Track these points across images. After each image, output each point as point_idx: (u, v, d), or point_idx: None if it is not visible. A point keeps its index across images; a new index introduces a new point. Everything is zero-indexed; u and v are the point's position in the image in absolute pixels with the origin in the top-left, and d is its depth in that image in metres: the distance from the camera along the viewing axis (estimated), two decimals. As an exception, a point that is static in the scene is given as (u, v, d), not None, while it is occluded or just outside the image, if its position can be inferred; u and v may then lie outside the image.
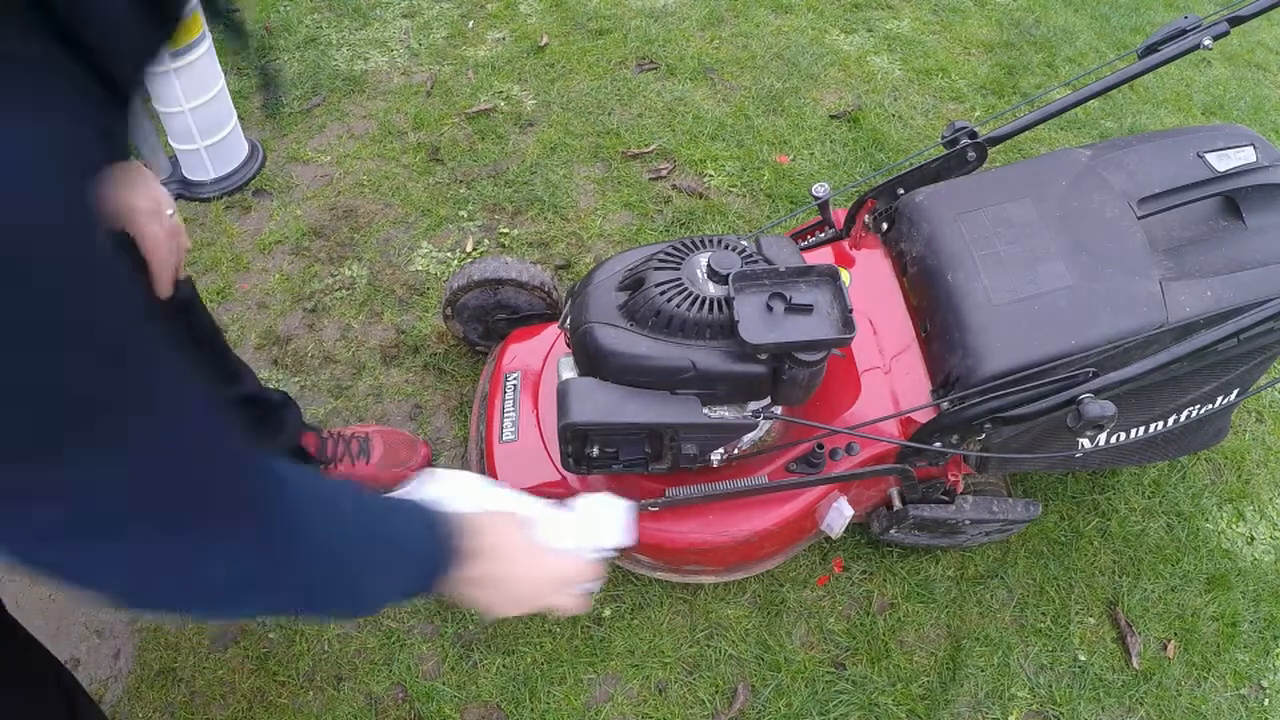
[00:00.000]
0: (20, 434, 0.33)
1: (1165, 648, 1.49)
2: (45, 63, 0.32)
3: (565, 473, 1.26)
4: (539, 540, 0.79)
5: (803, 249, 1.41)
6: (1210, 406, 1.35)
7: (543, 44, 2.48)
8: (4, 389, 0.31)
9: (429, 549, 0.66)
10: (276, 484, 0.51)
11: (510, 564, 0.74)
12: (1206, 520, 1.65)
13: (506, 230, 2.00)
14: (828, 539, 1.50)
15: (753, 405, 1.21)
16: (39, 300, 0.30)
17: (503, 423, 1.36)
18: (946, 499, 1.38)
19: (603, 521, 0.89)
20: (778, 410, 1.23)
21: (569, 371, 1.19)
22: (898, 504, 1.37)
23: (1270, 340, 1.19)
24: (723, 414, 1.19)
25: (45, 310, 0.31)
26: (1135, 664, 1.46)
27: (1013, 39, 2.62)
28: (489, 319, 1.60)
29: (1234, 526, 1.65)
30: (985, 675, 1.43)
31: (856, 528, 1.52)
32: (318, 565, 0.54)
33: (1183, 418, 1.35)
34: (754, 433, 1.29)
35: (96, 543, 0.40)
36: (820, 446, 1.26)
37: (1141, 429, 1.34)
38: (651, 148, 2.19)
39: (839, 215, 1.51)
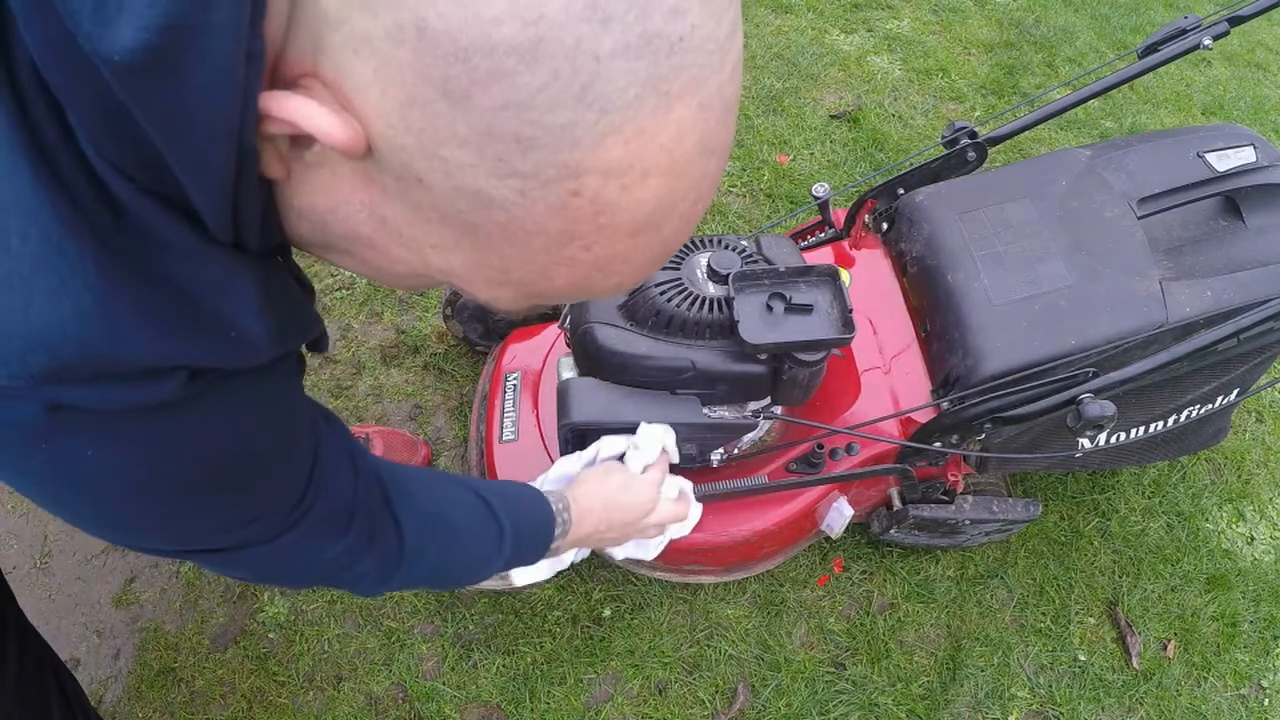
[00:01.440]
0: (291, 502, 0.60)
1: (1165, 648, 1.49)
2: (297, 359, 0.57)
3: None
4: (627, 481, 1.04)
5: (803, 249, 1.41)
6: (1210, 406, 1.35)
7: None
8: (283, 488, 0.58)
9: (538, 542, 0.91)
10: (398, 517, 0.72)
11: (610, 515, 1.01)
12: (1206, 520, 1.65)
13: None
14: (828, 539, 1.50)
15: (752, 405, 1.21)
16: (281, 464, 0.58)
17: (503, 423, 1.36)
18: (946, 499, 1.38)
19: (661, 439, 1.10)
20: (777, 410, 1.23)
21: (569, 371, 1.19)
22: (898, 504, 1.37)
23: (1270, 340, 1.19)
24: (722, 414, 1.19)
25: (292, 466, 0.59)
26: (1135, 664, 1.46)
27: (1013, 39, 2.62)
28: (489, 319, 1.60)
29: (1234, 526, 1.66)
30: (985, 675, 1.43)
31: (856, 528, 1.52)
32: (425, 574, 0.79)
33: (1183, 418, 1.35)
34: (754, 433, 1.29)
35: (319, 543, 0.64)
36: (820, 446, 1.25)
37: (1141, 429, 1.34)
38: (651, 148, 2.19)
39: (839, 215, 1.51)
